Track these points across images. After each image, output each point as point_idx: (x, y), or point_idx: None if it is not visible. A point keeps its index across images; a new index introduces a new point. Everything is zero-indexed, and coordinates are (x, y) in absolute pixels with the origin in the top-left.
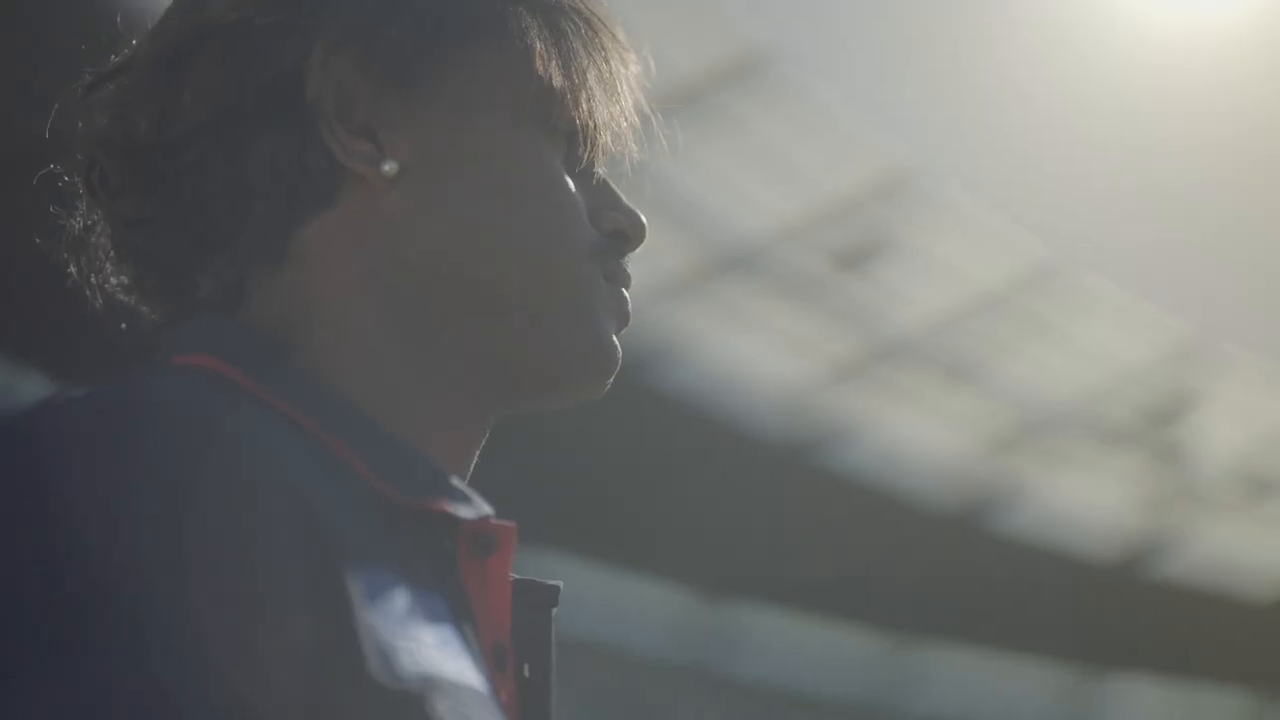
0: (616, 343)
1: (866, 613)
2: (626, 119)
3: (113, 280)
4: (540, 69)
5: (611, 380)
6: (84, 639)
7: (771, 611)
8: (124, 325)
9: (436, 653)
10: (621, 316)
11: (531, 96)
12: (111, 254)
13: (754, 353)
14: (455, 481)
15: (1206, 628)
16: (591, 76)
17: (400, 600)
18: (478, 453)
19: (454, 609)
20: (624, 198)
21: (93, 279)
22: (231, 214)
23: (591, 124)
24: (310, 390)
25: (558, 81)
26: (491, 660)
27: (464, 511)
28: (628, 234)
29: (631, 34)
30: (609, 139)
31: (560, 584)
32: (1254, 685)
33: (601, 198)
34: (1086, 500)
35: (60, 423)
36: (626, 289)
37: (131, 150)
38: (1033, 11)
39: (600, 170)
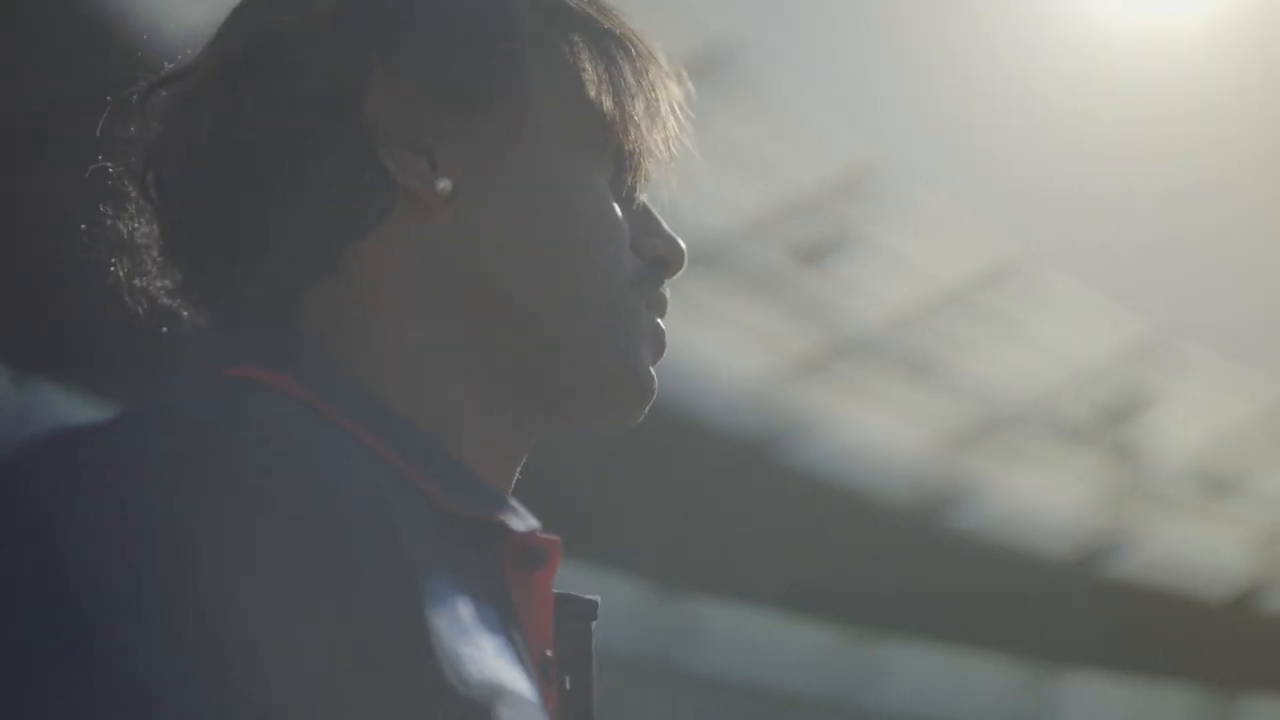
0: (653, 373)
1: (824, 608)
2: (671, 147)
3: (156, 283)
4: (592, 94)
5: (646, 410)
6: (176, 654)
7: (729, 606)
8: (164, 329)
9: (497, 662)
10: (658, 346)
11: (583, 121)
12: (157, 257)
13: (714, 347)
14: (505, 495)
15: (1162, 626)
16: (640, 105)
17: (463, 609)
18: (518, 471)
19: (505, 620)
20: (664, 224)
21: (135, 281)
22: (287, 226)
23: (639, 151)
24: (362, 402)
25: (608, 108)
26: (538, 671)
27: (515, 524)
28: (667, 261)
29: (674, 61)
30: (654, 166)
31: (598, 598)
32: (1208, 684)
33: (643, 223)
34: (1044, 497)
35: (148, 437)
36: (662, 317)
37: (190, 157)
38: (997, 11)
39: (641, 196)
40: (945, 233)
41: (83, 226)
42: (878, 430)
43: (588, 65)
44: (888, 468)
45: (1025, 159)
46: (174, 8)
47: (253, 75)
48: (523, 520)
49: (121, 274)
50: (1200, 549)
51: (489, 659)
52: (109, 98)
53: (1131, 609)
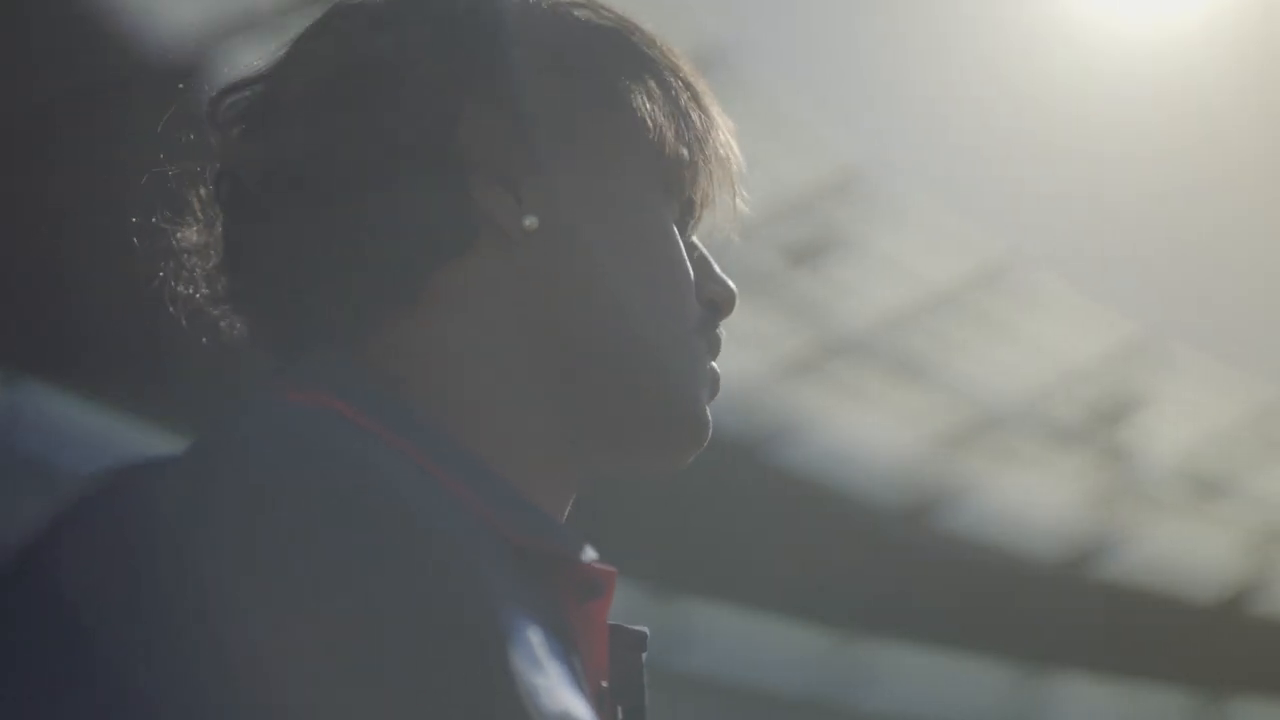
0: (709, 415)
1: (816, 609)
2: (734, 195)
3: (202, 291)
4: (668, 139)
5: (698, 453)
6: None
7: (720, 607)
8: (205, 340)
9: (566, 693)
10: (715, 389)
11: (658, 165)
12: (208, 266)
13: None
14: (565, 527)
15: (1153, 628)
16: (710, 152)
17: (535, 641)
18: (570, 504)
19: (567, 651)
20: (718, 268)
21: (179, 287)
22: (369, 251)
23: (706, 197)
24: (429, 433)
25: (683, 153)
26: (594, 702)
27: (575, 556)
28: (721, 306)
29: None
30: (719, 213)
31: (647, 630)
32: (1199, 686)
33: (701, 268)
34: (1034, 499)
35: (240, 468)
36: (716, 360)
37: (277, 172)
38: (987, 12)
39: (698, 240)
40: (936, 234)
41: (135, 224)
42: (868, 431)
43: (662, 111)
44: (878, 468)
45: (1016, 161)
46: (164, 6)
47: (351, 97)
48: (582, 551)
49: (169, 280)
50: (1191, 551)
51: (560, 690)
52: (169, 104)
53: (1122, 610)
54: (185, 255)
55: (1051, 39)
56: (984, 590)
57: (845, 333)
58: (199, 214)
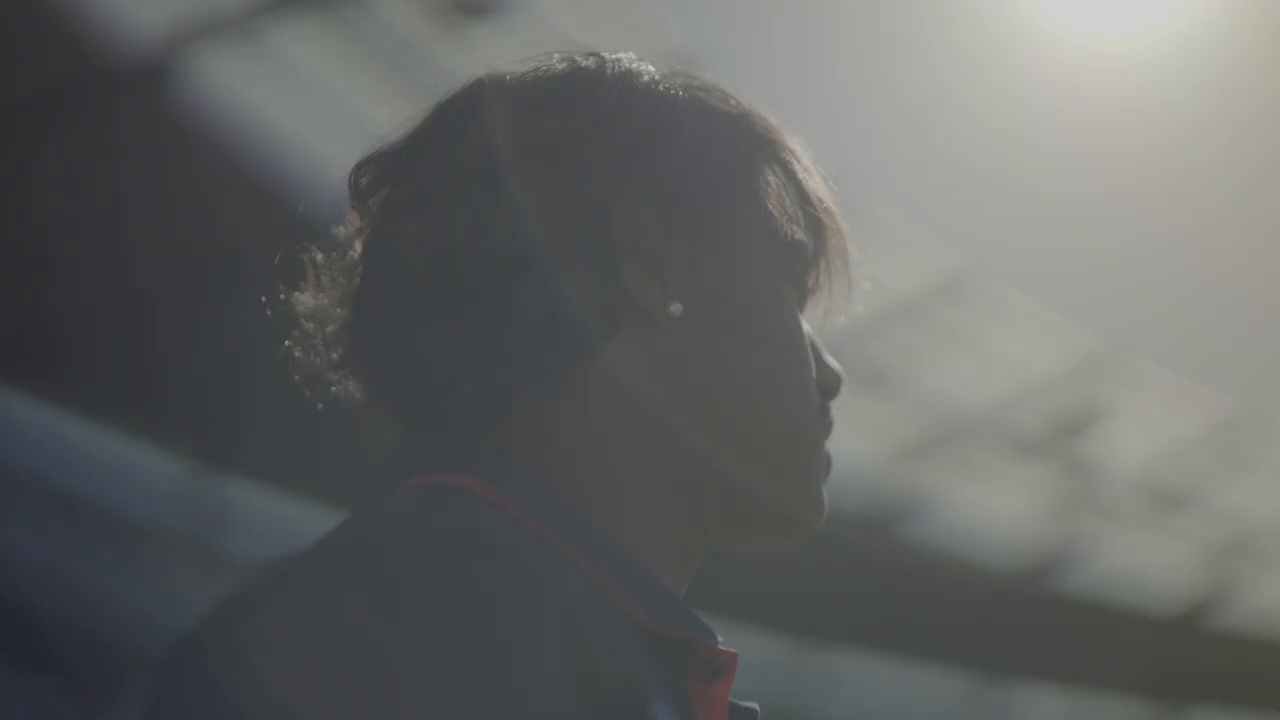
0: (826, 496)
1: (773, 617)
2: (847, 288)
3: (322, 357)
4: (796, 229)
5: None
6: None
7: None
8: (321, 406)
9: None
10: (829, 471)
11: (784, 254)
12: (336, 333)
13: None
14: (692, 611)
15: (1111, 639)
16: (829, 241)
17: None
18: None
19: None
20: (826, 353)
21: (300, 353)
22: (517, 332)
23: (825, 286)
24: (565, 517)
25: (806, 243)
26: None
27: (702, 640)
28: (832, 391)
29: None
30: (834, 302)
31: (757, 707)
32: (1156, 697)
33: (813, 353)
34: (994, 510)
35: (403, 564)
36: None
37: (430, 249)
38: (950, 22)
39: (806, 325)
40: (897, 245)
41: (264, 298)
42: (830, 441)
43: (789, 200)
44: (839, 478)
45: (978, 171)
46: (128, 6)
47: (511, 179)
48: (707, 634)
49: (295, 347)
50: (1150, 562)
51: None
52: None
53: (1081, 621)
54: (302, 320)
55: (1013, 52)
56: (944, 600)
57: None
58: (316, 279)
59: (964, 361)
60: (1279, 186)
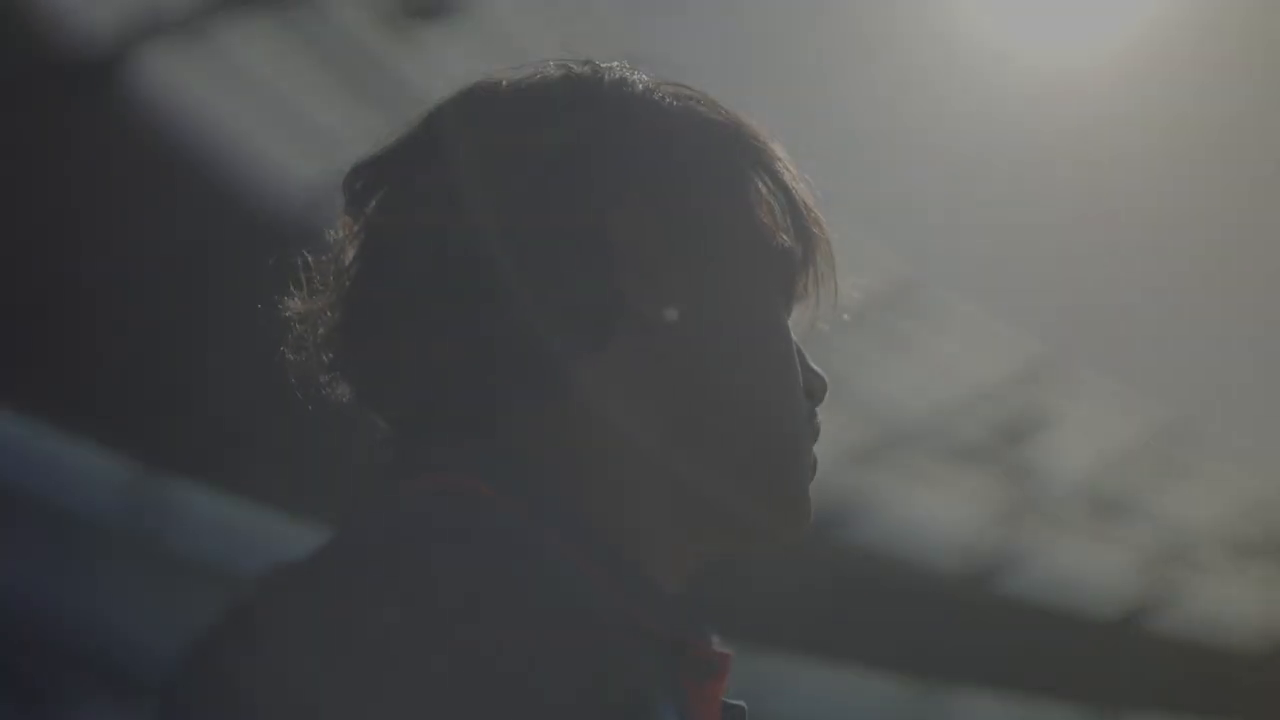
0: (812, 498)
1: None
2: (833, 298)
3: (314, 358)
4: (786, 237)
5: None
6: None
7: None
8: (309, 405)
9: None
10: (814, 473)
11: (775, 261)
12: (328, 335)
13: None
14: (688, 610)
15: (1051, 644)
16: (818, 249)
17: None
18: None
19: None
20: (810, 359)
21: (293, 356)
22: (514, 335)
23: (813, 294)
24: (565, 518)
25: (796, 251)
26: None
27: (698, 639)
28: (818, 395)
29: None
30: (820, 309)
31: (745, 704)
32: (1095, 702)
33: (799, 358)
34: (936, 515)
35: (410, 566)
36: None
37: (426, 253)
38: (896, 30)
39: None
40: (841, 251)
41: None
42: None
43: (780, 209)
44: None
45: (923, 178)
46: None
47: (509, 186)
48: (702, 634)
49: (290, 350)
50: (1089, 568)
51: None
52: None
53: (1021, 627)
54: (294, 323)
55: (961, 62)
56: (885, 604)
57: None
58: (306, 283)
59: (908, 368)
60: (1219, 196)
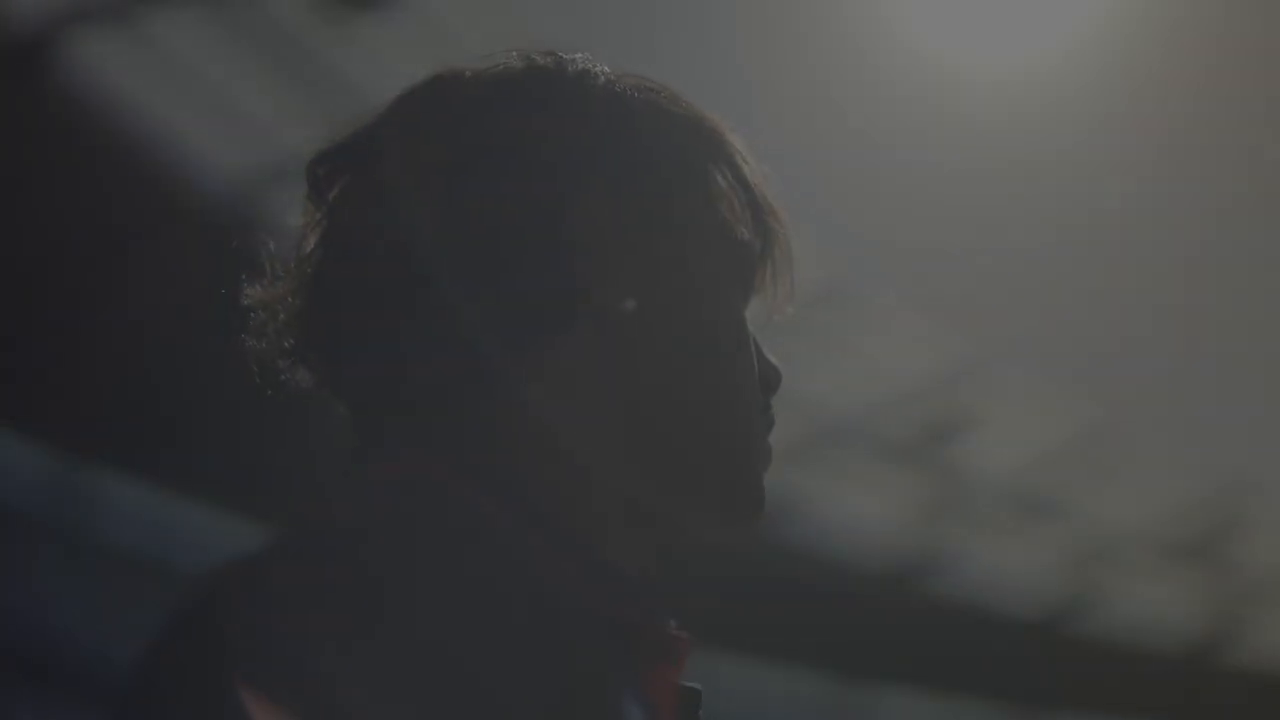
0: (766, 488)
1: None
2: (790, 292)
3: (274, 345)
4: (745, 230)
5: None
6: None
7: None
8: (270, 393)
9: None
10: (769, 463)
11: (735, 254)
12: (287, 323)
13: None
14: (643, 593)
15: (976, 644)
16: (776, 243)
17: (628, 706)
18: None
19: (648, 714)
20: (765, 350)
21: (251, 342)
22: (472, 324)
23: (770, 288)
24: (527, 507)
25: (754, 244)
26: None
27: (654, 621)
28: (773, 386)
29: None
30: (777, 306)
31: (700, 687)
32: (1019, 702)
33: (755, 349)
34: (862, 514)
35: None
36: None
37: (386, 242)
38: (829, 29)
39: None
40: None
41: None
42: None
43: (739, 203)
44: None
45: (850, 177)
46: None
47: (471, 174)
48: (659, 617)
49: (249, 333)
50: (1015, 568)
51: None
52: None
53: (946, 626)
54: (253, 311)
55: (886, 60)
56: (809, 603)
57: None
58: (266, 270)
59: (834, 366)
60: (1147, 196)
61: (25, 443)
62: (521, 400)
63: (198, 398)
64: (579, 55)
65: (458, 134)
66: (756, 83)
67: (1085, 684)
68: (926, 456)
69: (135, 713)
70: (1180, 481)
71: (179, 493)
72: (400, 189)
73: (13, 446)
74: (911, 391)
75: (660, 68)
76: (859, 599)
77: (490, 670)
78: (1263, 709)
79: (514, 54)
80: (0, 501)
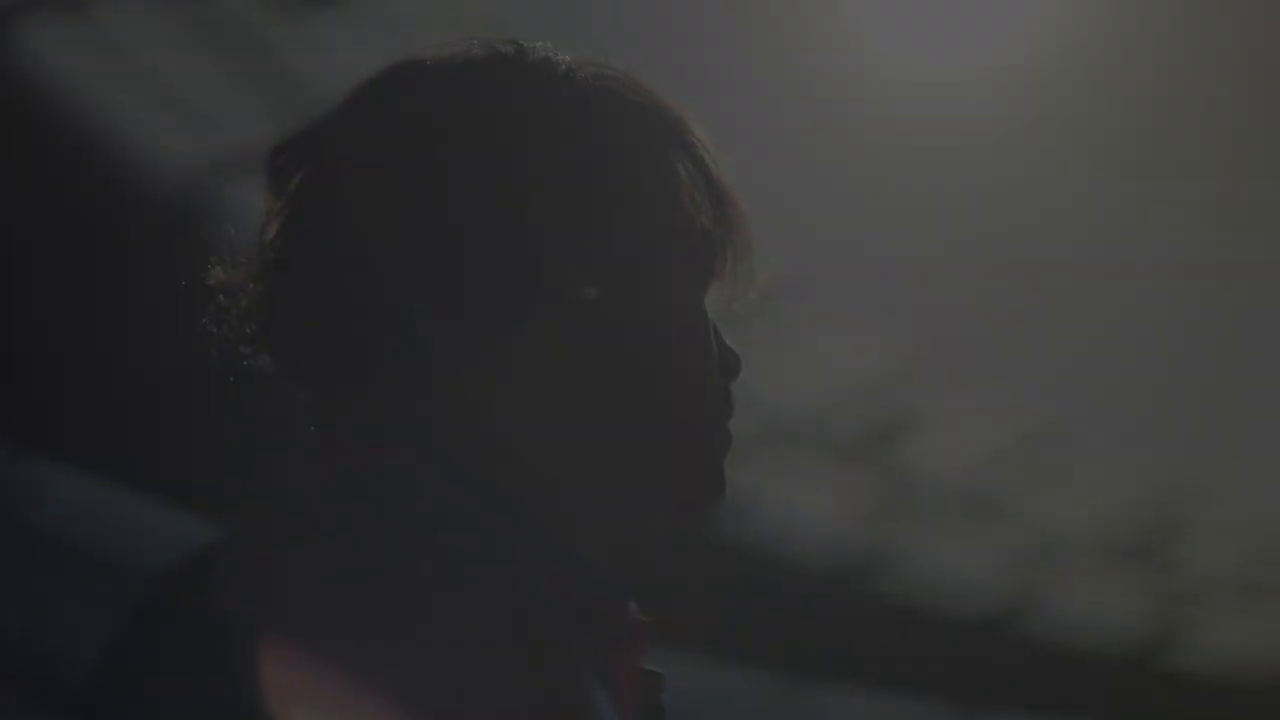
0: (726, 473)
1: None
2: (749, 279)
3: (236, 330)
4: (705, 219)
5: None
6: None
7: None
8: (232, 379)
9: None
10: (728, 448)
11: (695, 243)
12: (250, 308)
13: None
14: (607, 578)
15: (920, 643)
16: (735, 231)
17: (595, 688)
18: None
19: (614, 697)
20: (724, 337)
21: (214, 328)
22: (434, 311)
23: (731, 277)
24: (492, 493)
25: (714, 233)
26: None
27: (617, 606)
28: (732, 373)
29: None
30: (737, 294)
31: (662, 670)
32: (963, 701)
33: (714, 336)
34: (808, 513)
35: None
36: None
37: (348, 230)
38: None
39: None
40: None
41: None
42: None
43: (698, 190)
44: None
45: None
46: None
47: (430, 164)
48: (621, 601)
49: (213, 321)
50: (960, 568)
51: None
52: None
53: (892, 625)
54: (217, 295)
55: (843, 56)
56: (756, 601)
57: None
58: (229, 256)
59: (780, 365)
60: (1095, 197)
61: None
62: (481, 386)
63: (149, 388)
64: (539, 44)
65: (417, 121)
66: (715, 75)
67: (1030, 683)
68: (873, 456)
69: (118, 703)
70: (1124, 483)
71: (125, 485)
72: (359, 178)
73: None
74: (858, 391)
75: (621, 61)
76: (806, 598)
77: (462, 653)
78: (1205, 709)
79: (475, 42)
80: None
